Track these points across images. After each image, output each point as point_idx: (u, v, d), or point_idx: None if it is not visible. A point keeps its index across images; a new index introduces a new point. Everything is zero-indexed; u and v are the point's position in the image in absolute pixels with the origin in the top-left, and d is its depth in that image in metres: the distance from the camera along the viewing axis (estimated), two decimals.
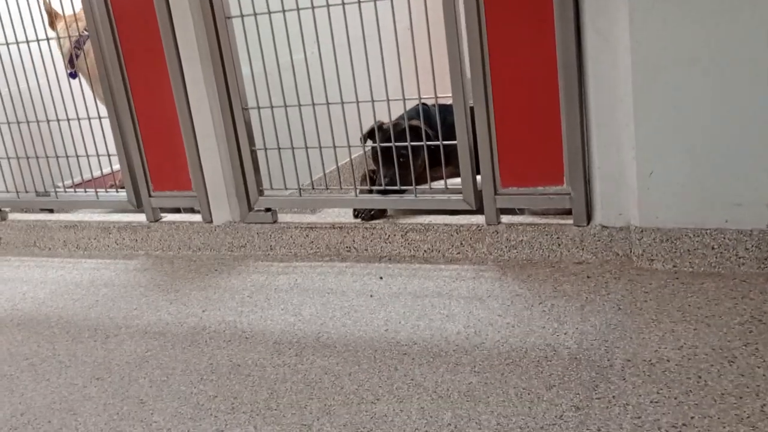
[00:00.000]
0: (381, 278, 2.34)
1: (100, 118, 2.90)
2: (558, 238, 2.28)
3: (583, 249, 2.25)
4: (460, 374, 1.72)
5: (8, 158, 3.18)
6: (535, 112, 2.21)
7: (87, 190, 3.12)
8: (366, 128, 2.68)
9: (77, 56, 3.24)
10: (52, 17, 3.32)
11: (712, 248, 2.04)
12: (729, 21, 1.86)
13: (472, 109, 2.30)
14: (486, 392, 1.63)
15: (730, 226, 2.01)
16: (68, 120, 2.96)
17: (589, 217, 2.25)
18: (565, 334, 1.84)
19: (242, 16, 2.53)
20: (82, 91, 3.06)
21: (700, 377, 1.58)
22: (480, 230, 2.38)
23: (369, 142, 2.73)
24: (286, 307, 2.23)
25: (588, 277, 2.14)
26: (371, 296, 2.22)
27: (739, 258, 2.02)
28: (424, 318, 2.03)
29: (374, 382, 1.74)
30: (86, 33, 2.95)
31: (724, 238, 2.02)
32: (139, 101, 2.76)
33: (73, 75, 3.26)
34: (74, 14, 3.17)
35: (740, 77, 1.89)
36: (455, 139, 2.36)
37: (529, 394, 1.61)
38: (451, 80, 2.31)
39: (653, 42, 1.94)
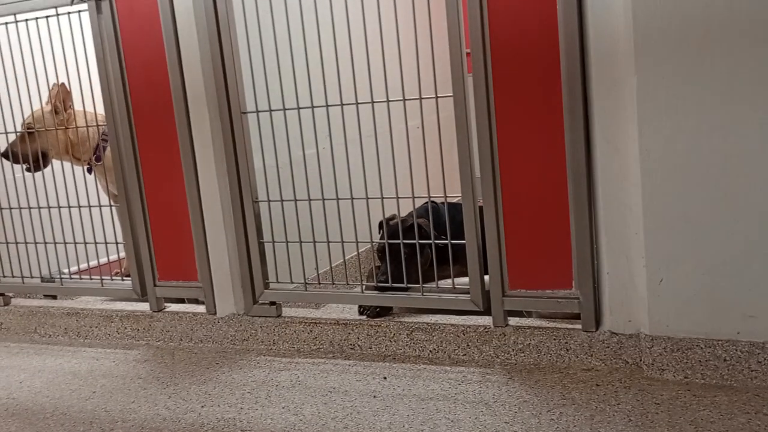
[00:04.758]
0: (385, 378, 2.30)
1: (111, 205, 2.93)
2: (566, 342, 2.24)
3: (591, 355, 2.21)
4: None
5: (17, 243, 3.18)
6: (544, 215, 2.22)
7: (92, 277, 3.11)
8: (375, 223, 2.69)
9: (103, 154, 3.20)
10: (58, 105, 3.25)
11: (724, 360, 2.00)
12: (737, 133, 1.89)
13: (481, 209, 2.31)
14: None
15: (743, 338, 1.97)
16: (79, 207, 2.98)
17: (597, 323, 2.22)
18: None
19: (258, 111, 2.58)
20: (95, 179, 3.10)
21: None
22: (487, 332, 2.34)
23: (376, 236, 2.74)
24: (287, 406, 2.17)
25: (597, 385, 2.09)
26: (375, 397, 2.17)
27: (752, 371, 1.97)
28: (428, 422, 1.97)
29: None
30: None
31: (736, 350, 1.98)
32: (151, 190, 2.79)
33: (90, 170, 3.26)
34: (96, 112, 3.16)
35: (750, 188, 1.90)
36: (464, 238, 2.36)
37: None
38: (460, 180, 2.33)
39: (661, 152, 1.96)
